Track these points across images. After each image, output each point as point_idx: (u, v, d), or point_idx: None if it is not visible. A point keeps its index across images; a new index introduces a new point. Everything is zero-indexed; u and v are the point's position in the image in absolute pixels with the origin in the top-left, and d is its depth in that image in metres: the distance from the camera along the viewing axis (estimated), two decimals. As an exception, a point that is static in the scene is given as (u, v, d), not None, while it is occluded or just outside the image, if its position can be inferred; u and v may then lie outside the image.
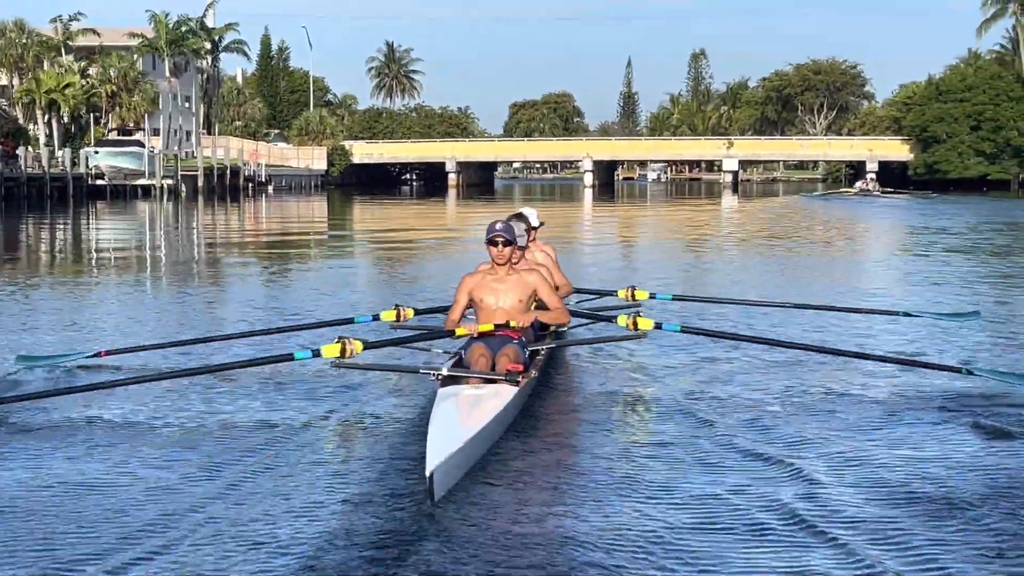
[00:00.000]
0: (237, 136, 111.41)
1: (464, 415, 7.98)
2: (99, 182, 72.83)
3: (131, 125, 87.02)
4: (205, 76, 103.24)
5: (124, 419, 9.19)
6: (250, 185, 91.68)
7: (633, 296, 12.76)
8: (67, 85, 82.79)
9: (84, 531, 6.42)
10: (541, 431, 8.86)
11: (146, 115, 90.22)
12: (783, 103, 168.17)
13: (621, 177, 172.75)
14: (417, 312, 11.59)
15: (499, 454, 7.96)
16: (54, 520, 6.60)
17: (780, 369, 11.21)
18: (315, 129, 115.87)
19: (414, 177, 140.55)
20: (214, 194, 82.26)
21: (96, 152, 73.94)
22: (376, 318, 11.46)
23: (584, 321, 11.69)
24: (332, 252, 32.68)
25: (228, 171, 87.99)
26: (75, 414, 9.22)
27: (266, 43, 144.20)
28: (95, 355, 11.02)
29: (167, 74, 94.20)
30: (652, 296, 13.24)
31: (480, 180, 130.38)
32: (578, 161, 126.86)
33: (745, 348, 11.87)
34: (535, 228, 12.23)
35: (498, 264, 9.75)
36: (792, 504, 6.86)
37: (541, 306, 10.00)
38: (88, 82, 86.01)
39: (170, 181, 77.07)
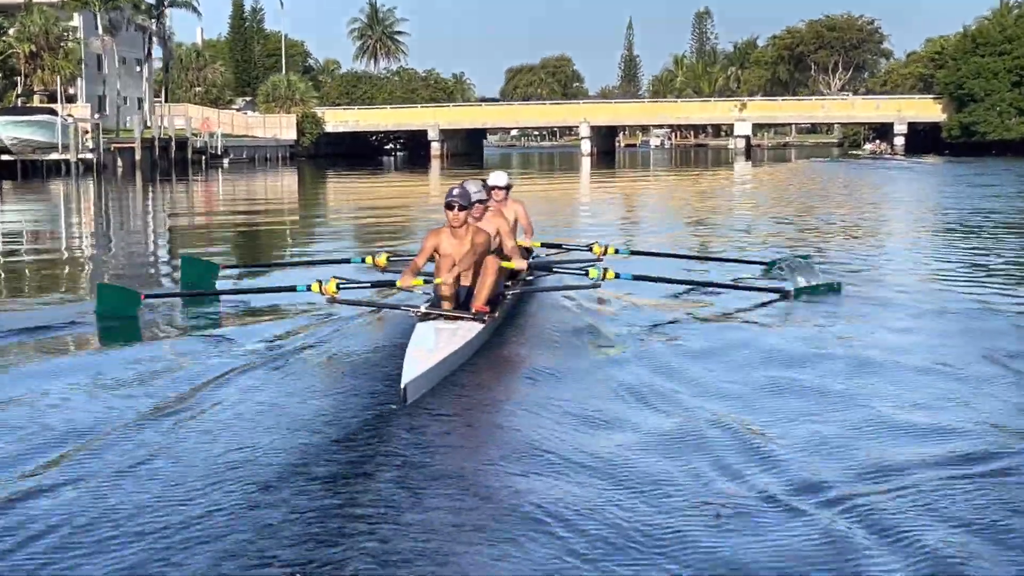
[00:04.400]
0: (197, 104, 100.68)
1: (436, 342, 9.50)
2: (5, 157, 61.57)
3: (54, 89, 75.19)
4: (148, 35, 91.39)
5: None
6: (203, 158, 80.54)
7: (605, 251, 14.82)
8: (-25, 45, 71.08)
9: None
10: (503, 360, 10.26)
11: (75, 78, 79.06)
12: (795, 62, 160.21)
13: (623, 144, 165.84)
14: (390, 259, 13.65)
15: (464, 376, 9.30)
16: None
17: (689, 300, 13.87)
18: (283, 95, 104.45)
19: (397, 147, 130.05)
20: (156, 170, 71.32)
21: (-5, 122, 62.23)
22: (363, 261, 14.20)
23: (551, 271, 13.39)
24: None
25: (173, 143, 76.91)
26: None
27: (238, 4, 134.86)
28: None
29: (99, 31, 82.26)
30: (616, 251, 15.16)
31: (468, 149, 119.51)
32: (576, 127, 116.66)
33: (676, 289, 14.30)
34: (505, 188, 13.69)
35: (453, 226, 10.72)
36: (710, 414, 8.29)
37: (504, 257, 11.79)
38: (5, 42, 74.30)
39: (91, 155, 65.66)
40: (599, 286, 12.21)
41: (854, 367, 9.87)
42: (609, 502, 6.30)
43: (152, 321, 12.43)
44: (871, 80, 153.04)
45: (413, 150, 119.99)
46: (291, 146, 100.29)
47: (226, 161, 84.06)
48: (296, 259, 18.02)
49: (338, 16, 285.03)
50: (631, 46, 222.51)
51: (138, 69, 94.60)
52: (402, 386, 8.21)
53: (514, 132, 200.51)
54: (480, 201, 11.48)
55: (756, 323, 12.21)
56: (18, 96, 75.58)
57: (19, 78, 77.05)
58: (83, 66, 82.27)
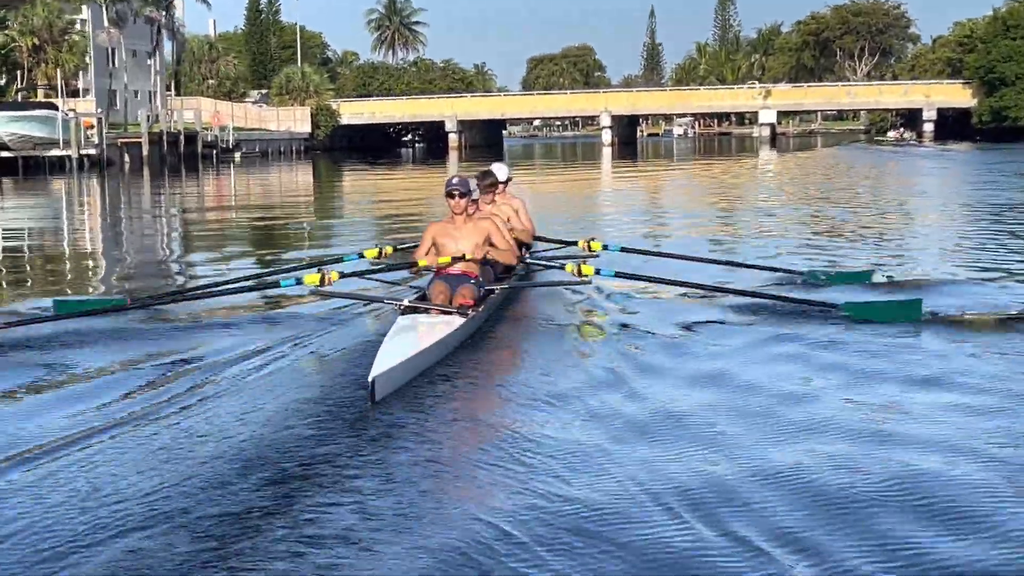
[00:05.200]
0: (210, 97, 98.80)
1: (411, 337, 9.22)
2: (4, 154, 59.64)
3: (59, 84, 72.94)
4: (157, 27, 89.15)
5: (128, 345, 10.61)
6: (213, 153, 78.57)
7: (589, 247, 14.24)
8: (-25, 39, 68.70)
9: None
10: (485, 358, 9.94)
11: (80, 72, 77.04)
12: (820, 48, 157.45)
13: (645, 133, 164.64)
14: (396, 250, 13.34)
15: (441, 372, 9.03)
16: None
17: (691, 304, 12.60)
18: (297, 87, 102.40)
19: (416, 138, 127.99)
20: (164, 165, 69.53)
21: (-8, 118, 60.14)
22: (361, 256, 13.34)
23: (537, 268, 13.27)
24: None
25: (182, 137, 74.94)
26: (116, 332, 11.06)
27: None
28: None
29: (105, 24, 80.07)
30: (605, 247, 14.48)
31: (486, 141, 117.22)
32: (597, 116, 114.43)
33: (672, 289, 12.99)
34: (504, 183, 13.72)
35: (455, 214, 11.15)
36: (681, 409, 8.00)
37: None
38: (8, 35, 72.15)
39: (93, 151, 63.67)
40: (589, 282, 11.87)
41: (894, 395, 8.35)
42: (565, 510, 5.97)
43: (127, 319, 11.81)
44: (898, 66, 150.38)
45: (431, 142, 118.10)
46: (305, 139, 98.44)
47: (238, 155, 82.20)
48: (254, 272, 15.82)
49: (357, 7, 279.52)
50: (653, 34, 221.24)
51: (149, 62, 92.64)
52: (369, 379, 8.01)
53: (536, 122, 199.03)
54: (473, 200, 11.53)
55: (761, 331, 10.89)
56: (19, 91, 73.63)
57: (21, 72, 75.03)
58: (89, 60, 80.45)
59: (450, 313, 10.08)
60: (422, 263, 11.04)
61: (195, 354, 10.01)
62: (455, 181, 11.07)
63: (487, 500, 6.10)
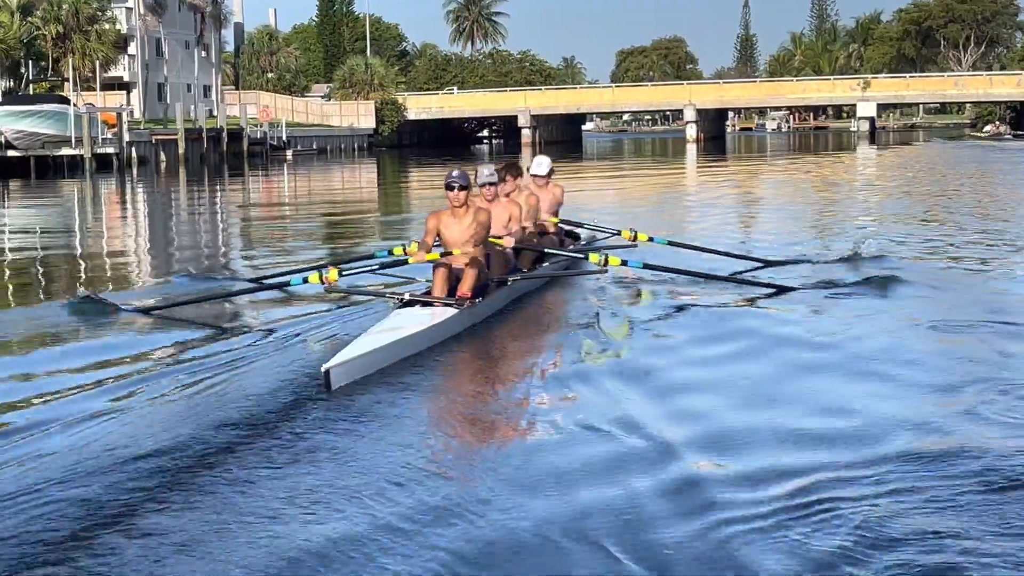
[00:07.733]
0: (269, 91, 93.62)
1: (391, 330, 9.29)
2: (11, 153, 54.21)
3: (71, 76, 67.49)
4: (201, 16, 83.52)
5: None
6: (263, 151, 72.99)
7: (635, 238, 14.66)
8: (-7, 27, 63.29)
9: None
10: (477, 350, 10.16)
11: (120, 64, 71.86)
12: (923, 38, 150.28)
13: (738, 128, 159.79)
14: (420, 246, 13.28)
15: (422, 363, 9.19)
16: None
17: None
18: (361, 79, 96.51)
19: (492, 134, 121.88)
20: (204, 164, 64.07)
21: (-7, 114, 54.64)
22: (390, 253, 13.31)
23: (562, 258, 13.33)
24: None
25: (224, 134, 69.39)
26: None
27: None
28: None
29: (141, 11, 74.68)
30: (651, 239, 14.89)
31: (564, 136, 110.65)
32: (682, 110, 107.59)
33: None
34: (545, 176, 14.54)
35: (454, 206, 11.31)
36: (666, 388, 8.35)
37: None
38: (31, 23, 66.78)
39: (111, 149, 58.04)
40: (606, 271, 12.18)
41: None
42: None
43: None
44: (1006, 56, 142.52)
45: (507, 137, 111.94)
46: (369, 135, 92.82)
47: (289, 153, 76.50)
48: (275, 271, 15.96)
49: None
50: (747, 25, 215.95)
51: (203, 54, 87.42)
52: (323, 369, 8.15)
53: (626, 116, 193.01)
54: (491, 183, 12.13)
55: (772, 322, 11.31)
56: (30, 82, 68.34)
57: (46, 63, 69.74)
58: (136, 50, 75.28)
59: (448, 305, 10.33)
60: (411, 261, 11.45)
61: (188, 352, 10.20)
62: (455, 174, 11.32)
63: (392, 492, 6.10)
